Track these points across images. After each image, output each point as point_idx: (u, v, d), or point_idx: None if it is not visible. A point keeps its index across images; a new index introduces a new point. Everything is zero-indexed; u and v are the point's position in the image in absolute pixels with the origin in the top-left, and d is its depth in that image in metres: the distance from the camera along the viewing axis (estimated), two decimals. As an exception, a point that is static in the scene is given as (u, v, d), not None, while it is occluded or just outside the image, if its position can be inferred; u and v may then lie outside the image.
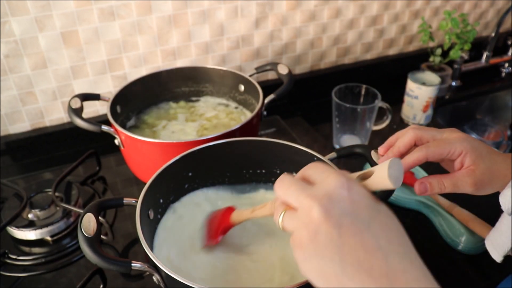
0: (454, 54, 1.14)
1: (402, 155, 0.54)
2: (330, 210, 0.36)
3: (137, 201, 0.56)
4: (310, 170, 0.41)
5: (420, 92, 1.05)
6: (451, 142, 0.53)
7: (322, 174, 0.39)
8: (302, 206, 0.38)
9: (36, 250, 0.74)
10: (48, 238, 0.76)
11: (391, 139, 0.56)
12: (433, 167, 0.61)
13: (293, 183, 0.39)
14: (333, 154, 0.64)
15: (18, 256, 0.73)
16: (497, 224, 0.57)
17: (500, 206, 0.53)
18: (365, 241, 0.35)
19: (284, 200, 0.40)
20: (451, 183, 0.53)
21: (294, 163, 0.69)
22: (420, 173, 0.84)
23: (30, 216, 0.76)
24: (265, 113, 0.85)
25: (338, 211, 0.36)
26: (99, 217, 0.53)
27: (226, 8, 1.00)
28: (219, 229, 0.59)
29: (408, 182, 0.79)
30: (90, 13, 0.89)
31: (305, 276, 0.38)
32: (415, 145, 0.55)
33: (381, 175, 0.40)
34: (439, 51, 1.15)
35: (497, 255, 0.57)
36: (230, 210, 0.59)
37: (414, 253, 0.36)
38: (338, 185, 0.37)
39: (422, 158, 0.52)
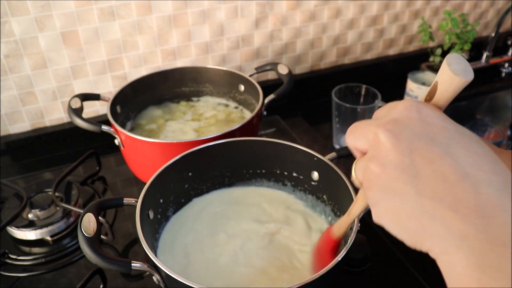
0: (454, 54, 1.14)
1: None
2: (398, 134, 0.30)
3: (137, 201, 0.56)
4: (379, 109, 0.36)
5: (420, 92, 1.05)
6: None
7: (389, 106, 0.34)
8: (368, 140, 0.32)
9: (36, 250, 0.74)
10: (48, 238, 0.76)
11: None
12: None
13: (359, 123, 0.35)
14: (333, 154, 0.64)
15: (18, 256, 0.73)
16: None
17: None
18: (445, 168, 0.28)
19: (354, 147, 0.36)
20: None
21: (294, 163, 0.69)
22: None
23: (30, 216, 0.76)
24: (265, 113, 0.85)
25: (407, 134, 0.30)
26: (99, 217, 0.53)
27: (226, 8, 1.00)
28: (327, 253, 0.53)
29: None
30: (90, 13, 0.89)
31: (380, 225, 0.32)
32: None
33: (446, 77, 0.32)
34: (439, 51, 1.15)
35: None
36: (328, 230, 0.54)
37: None
38: (405, 108, 0.31)
39: None
